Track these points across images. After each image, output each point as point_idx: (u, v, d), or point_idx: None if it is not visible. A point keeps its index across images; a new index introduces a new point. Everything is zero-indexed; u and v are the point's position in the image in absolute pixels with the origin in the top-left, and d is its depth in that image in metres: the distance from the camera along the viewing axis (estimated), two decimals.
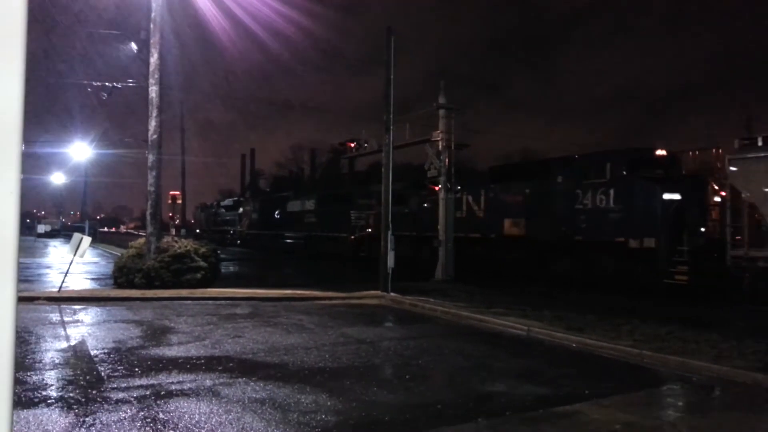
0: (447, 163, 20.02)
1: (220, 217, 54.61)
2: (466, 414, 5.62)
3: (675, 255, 15.32)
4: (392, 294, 14.88)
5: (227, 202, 55.59)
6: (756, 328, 10.24)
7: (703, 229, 15.82)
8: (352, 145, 26.27)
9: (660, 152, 16.82)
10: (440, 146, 20.04)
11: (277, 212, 41.70)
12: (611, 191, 16.79)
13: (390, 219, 16.21)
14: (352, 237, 30.31)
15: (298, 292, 15.08)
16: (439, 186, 20.31)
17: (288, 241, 39.18)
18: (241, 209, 49.54)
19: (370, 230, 28.72)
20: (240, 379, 6.54)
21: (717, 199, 15.25)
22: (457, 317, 12.01)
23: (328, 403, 5.74)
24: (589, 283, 16.91)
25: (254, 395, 5.94)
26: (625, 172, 16.71)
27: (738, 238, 14.03)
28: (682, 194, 15.79)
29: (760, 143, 14.14)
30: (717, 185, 15.62)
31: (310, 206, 37.21)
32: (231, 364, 7.27)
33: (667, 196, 15.78)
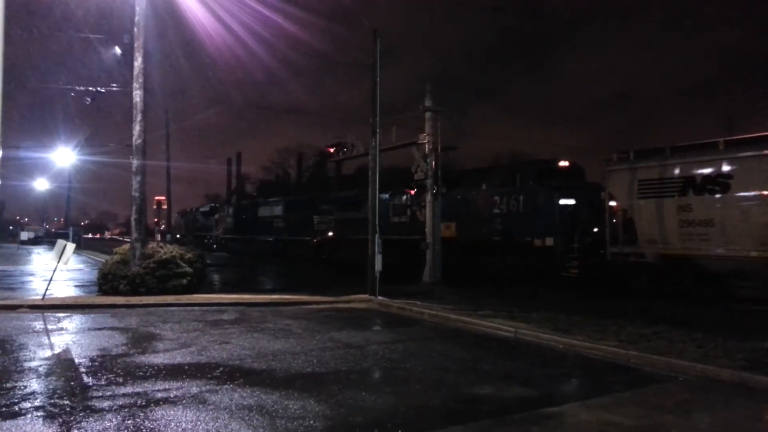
0: (434, 166, 20.07)
1: (199, 223, 55.95)
2: (455, 417, 5.61)
3: (569, 252, 17.91)
4: (380, 297, 14.87)
5: (204, 208, 56.96)
6: (740, 328, 10.37)
7: (596, 229, 17.83)
8: (339, 149, 26.24)
9: (563, 163, 19.24)
10: (427, 149, 20.08)
11: (249, 217, 43.71)
12: (520, 198, 19.71)
13: (377, 222, 16.21)
14: (314, 240, 32.60)
15: (285, 296, 15.02)
16: (427, 188, 20.36)
17: (259, 244, 41.32)
18: (217, 215, 51.13)
19: (331, 234, 31.17)
20: (227, 386, 6.49)
21: (612, 203, 16.92)
22: (445, 320, 12.02)
23: (316, 409, 5.71)
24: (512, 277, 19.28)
25: (241, 402, 5.89)
26: (531, 182, 19.55)
27: (635, 235, 16.19)
28: (577, 200, 18.41)
29: (631, 157, 16.62)
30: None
31: (278, 211, 39.25)
32: (218, 371, 7.21)
33: (563, 201, 18.45)
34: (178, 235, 58.70)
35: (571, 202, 18.42)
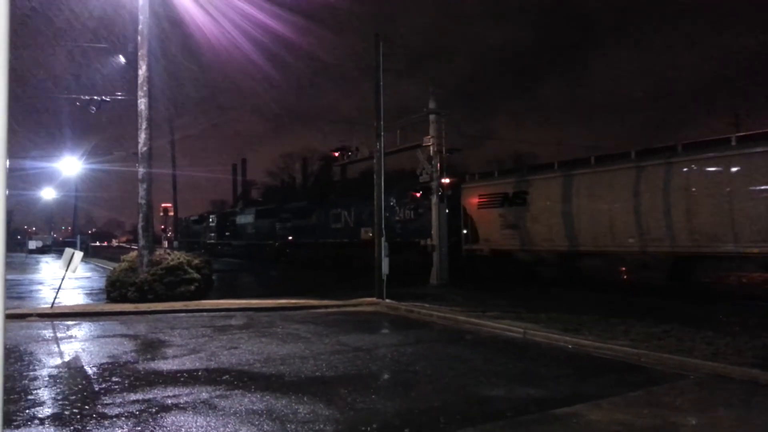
0: (438, 168, 20.04)
1: (191, 230, 60.52)
2: (464, 419, 5.59)
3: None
4: (387, 300, 14.85)
5: (195, 217, 62.10)
6: (750, 325, 10.29)
7: (465, 231, 22.10)
8: (343, 153, 26.35)
9: (444, 181, 22.11)
10: (431, 151, 20.07)
11: (229, 225, 49.47)
12: (411, 208, 25.10)
13: (383, 225, 16.20)
14: (276, 244, 38.16)
15: (293, 301, 15.02)
16: (432, 190, 20.34)
17: (235, 248, 47.24)
18: (204, 223, 56.37)
19: (290, 238, 36.32)
20: (236, 391, 6.49)
21: (467, 213, 21.78)
22: (453, 322, 11.99)
23: (326, 413, 5.70)
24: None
25: (251, 407, 5.89)
26: (418, 195, 24.04)
27: (477, 236, 21.21)
28: (450, 209, 22.23)
29: (476, 177, 22.35)
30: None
31: (250, 219, 44.67)
32: (227, 376, 7.22)
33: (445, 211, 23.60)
34: (174, 242, 60.83)
35: (446, 211, 23.00)
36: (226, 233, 49.48)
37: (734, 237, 13.93)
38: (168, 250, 18.93)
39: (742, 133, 14.84)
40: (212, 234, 53.01)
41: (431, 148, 20.05)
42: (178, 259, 15.65)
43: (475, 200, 21.42)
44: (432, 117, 20.15)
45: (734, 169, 14.15)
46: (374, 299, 15.14)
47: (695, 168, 14.91)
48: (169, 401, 6.09)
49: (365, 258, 26.77)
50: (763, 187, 13.57)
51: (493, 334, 10.65)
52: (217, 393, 6.43)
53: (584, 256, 17.82)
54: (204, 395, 6.33)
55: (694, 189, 14.87)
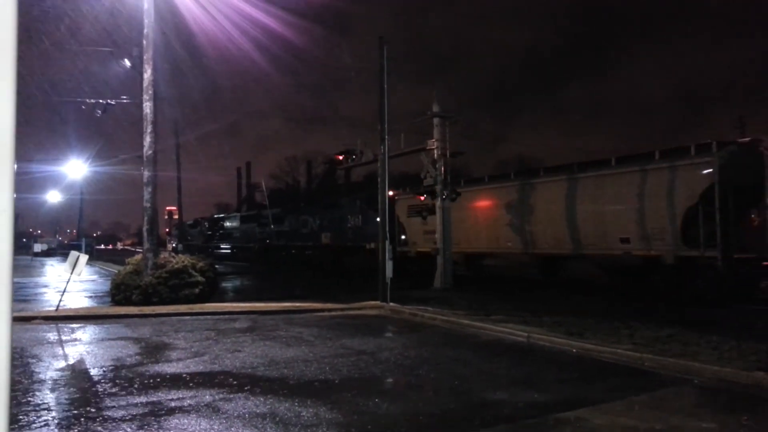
0: (443, 172, 20.04)
1: (188, 234, 64.41)
2: (468, 423, 5.59)
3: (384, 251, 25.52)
4: (391, 304, 14.84)
5: (190, 221, 66.20)
6: (756, 329, 10.25)
7: (404, 236, 26.01)
8: (347, 156, 26.40)
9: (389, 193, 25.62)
10: (435, 154, 20.07)
11: (218, 229, 54.29)
12: (359, 216, 29.46)
13: (386, 228, 16.19)
14: (256, 247, 43.09)
15: (297, 304, 15.03)
16: (436, 194, 20.33)
17: (222, 251, 52.57)
18: (198, 227, 61.10)
19: (268, 241, 41.18)
20: (240, 394, 6.50)
21: (400, 220, 25.89)
22: (457, 325, 11.98)
23: (329, 416, 5.70)
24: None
25: (255, 410, 5.90)
26: (364, 206, 28.83)
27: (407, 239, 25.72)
28: (389, 218, 25.27)
29: (407, 190, 25.71)
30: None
31: (235, 224, 49.90)
32: (230, 379, 7.23)
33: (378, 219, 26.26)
34: (173, 245, 62.32)
35: (393, 219, 26.27)
36: (216, 237, 54.48)
37: (578, 242, 18.55)
38: (172, 254, 18.98)
39: (583, 161, 19.41)
40: (204, 238, 57.57)
41: (435, 151, 20.05)
42: (183, 262, 15.69)
43: (405, 210, 25.41)
44: (436, 120, 20.14)
45: (572, 190, 18.84)
46: (377, 302, 15.14)
47: (549, 188, 19.79)
48: (173, 404, 6.11)
49: (326, 260, 32.43)
50: (588, 204, 18.33)
51: (497, 337, 10.64)
52: (221, 396, 6.44)
53: (484, 256, 22.94)
54: (207, 398, 6.34)
55: (551, 204, 19.48)
